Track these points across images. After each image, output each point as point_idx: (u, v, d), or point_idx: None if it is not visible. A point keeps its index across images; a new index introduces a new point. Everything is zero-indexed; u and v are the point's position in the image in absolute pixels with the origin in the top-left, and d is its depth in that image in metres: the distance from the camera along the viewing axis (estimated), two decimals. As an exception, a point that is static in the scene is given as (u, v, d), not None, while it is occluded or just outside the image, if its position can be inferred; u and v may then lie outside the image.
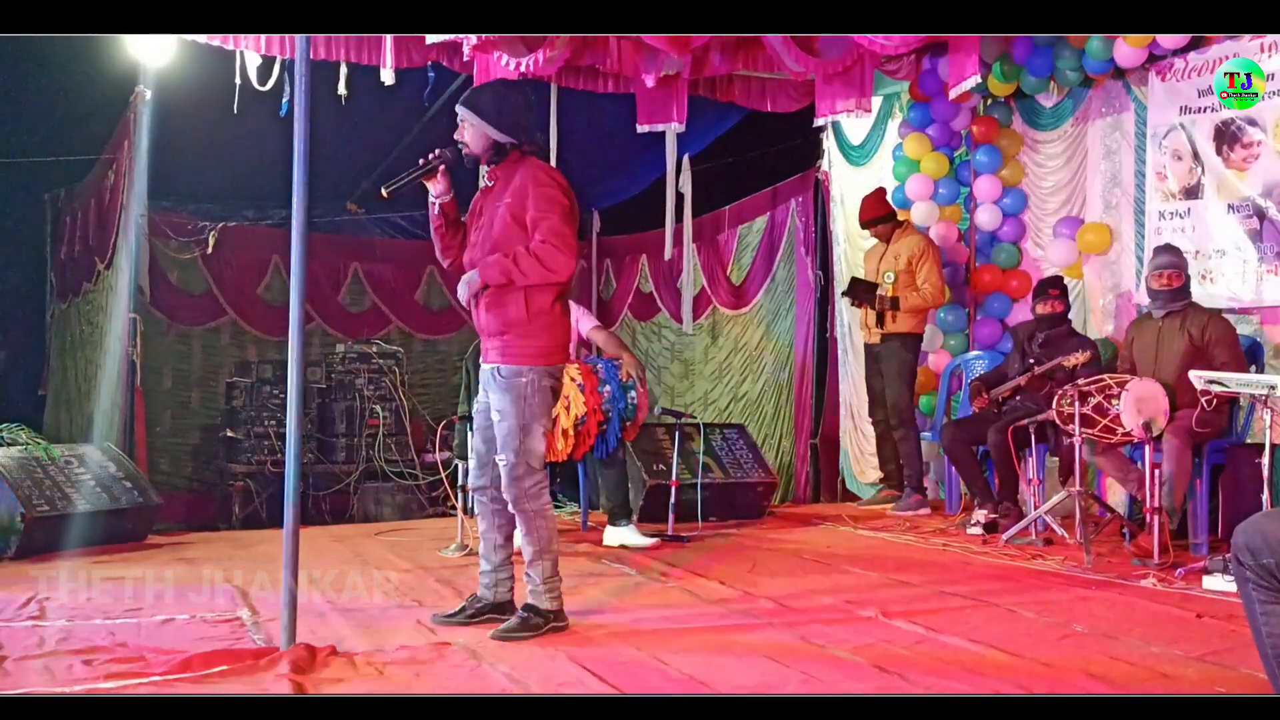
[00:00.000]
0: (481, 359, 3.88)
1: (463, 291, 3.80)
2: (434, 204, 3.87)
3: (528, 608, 3.73)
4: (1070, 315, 6.20)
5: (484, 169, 3.88)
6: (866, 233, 7.19)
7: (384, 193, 3.80)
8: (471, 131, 3.78)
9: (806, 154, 8.47)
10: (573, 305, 5.47)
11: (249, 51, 5.97)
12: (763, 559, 5.22)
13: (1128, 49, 6.04)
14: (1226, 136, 5.97)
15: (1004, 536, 5.53)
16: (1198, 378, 4.55)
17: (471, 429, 4.00)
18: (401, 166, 3.89)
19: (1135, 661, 3.34)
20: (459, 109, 3.82)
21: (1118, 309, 6.69)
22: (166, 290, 9.24)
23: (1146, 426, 4.99)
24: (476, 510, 4.03)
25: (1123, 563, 4.97)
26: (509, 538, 3.97)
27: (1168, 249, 5.62)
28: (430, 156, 3.78)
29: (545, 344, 3.74)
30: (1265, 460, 4.40)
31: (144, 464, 7.07)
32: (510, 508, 3.78)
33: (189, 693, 2.99)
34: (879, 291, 6.78)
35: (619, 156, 9.05)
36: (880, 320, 6.80)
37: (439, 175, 3.81)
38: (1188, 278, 5.49)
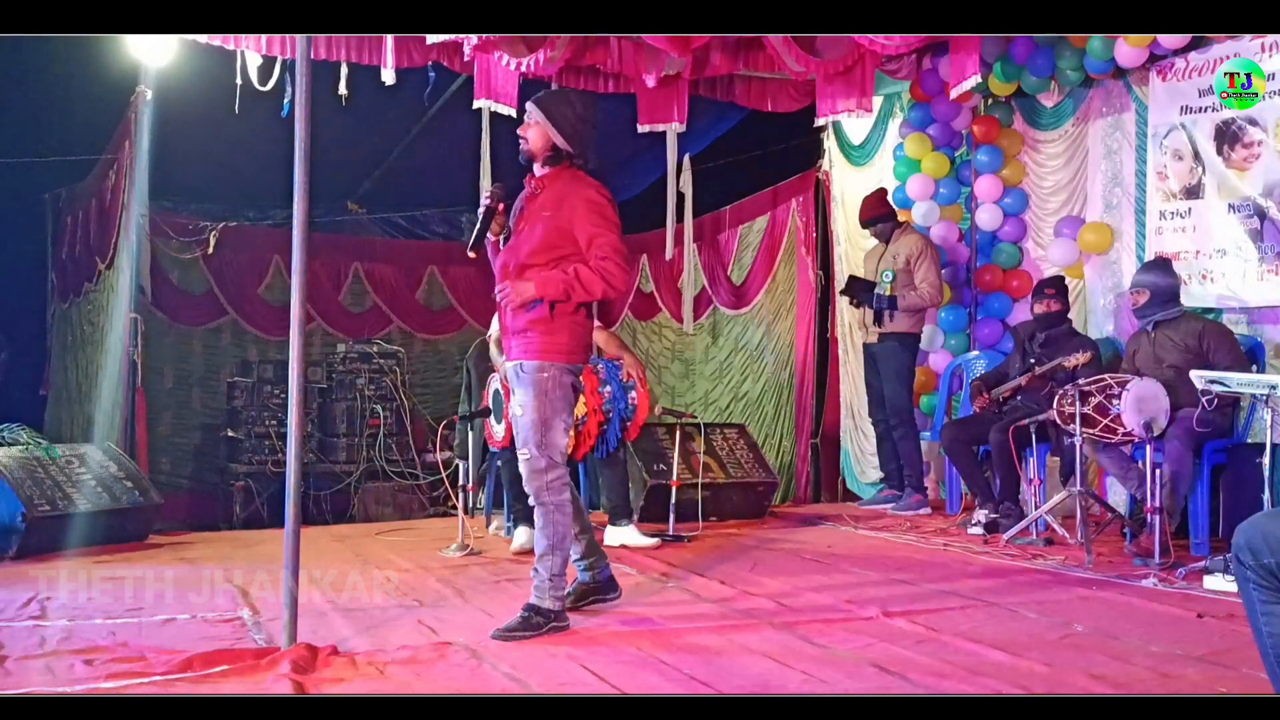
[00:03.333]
0: (505, 356, 3.96)
1: (525, 292, 3.78)
2: (498, 239, 3.98)
3: (529, 607, 3.74)
4: (1070, 315, 6.21)
5: (536, 169, 3.93)
6: (867, 232, 7.20)
7: (471, 254, 3.96)
8: (535, 130, 3.88)
9: (807, 154, 8.47)
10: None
11: (249, 52, 5.97)
12: (763, 559, 5.22)
13: (1128, 49, 6.04)
14: (1227, 136, 5.96)
15: (1005, 536, 5.53)
16: (1199, 377, 4.55)
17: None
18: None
19: (1135, 661, 3.33)
20: (529, 106, 3.93)
21: (1118, 309, 6.69)
22: (167, 290, 9.24)
23: (1147, 426, 4.99)
24: None
25: (1123, 563, 4.97)
26: (585, 527, 4.07)
27: (1142, 268, 5.71)
28: (487, 200, 3.91)
29: (566, 341, 3.81)
30: (1266, 460, 4.40)
31: (145, 464, 7.07)
32: (531, 501, 3.84)
33: (190, 693, 2.99)
34: (876, 290, 6.78)
35: (619, 156, 9.04)
36: (878, 320, 6.80)
37: (499, 212, 3.94)
38: (1160, 291, 5.49)
